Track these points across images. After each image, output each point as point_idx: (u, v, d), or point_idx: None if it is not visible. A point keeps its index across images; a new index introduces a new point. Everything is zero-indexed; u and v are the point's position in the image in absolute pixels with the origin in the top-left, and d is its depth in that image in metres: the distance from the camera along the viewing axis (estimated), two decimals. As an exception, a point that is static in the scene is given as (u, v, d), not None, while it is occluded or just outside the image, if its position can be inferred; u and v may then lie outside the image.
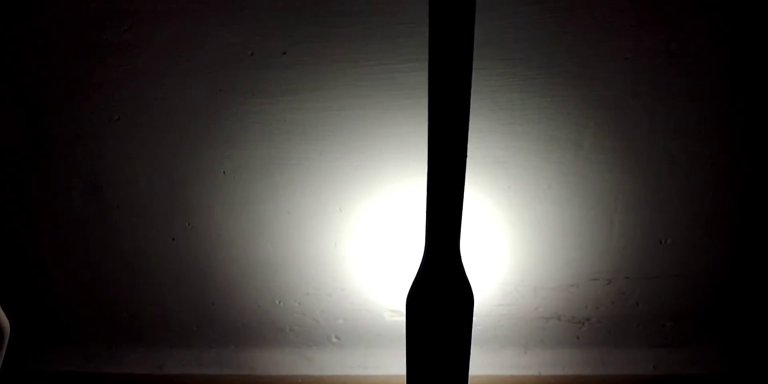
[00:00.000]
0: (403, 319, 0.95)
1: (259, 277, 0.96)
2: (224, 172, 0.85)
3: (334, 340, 1.01)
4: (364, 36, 0.74)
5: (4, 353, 0.75)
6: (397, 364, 1.01)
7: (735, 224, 0.86)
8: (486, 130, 0.79)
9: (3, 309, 0.77)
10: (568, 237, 0.88)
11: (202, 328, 1.02)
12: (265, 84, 0.77)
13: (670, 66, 0.75)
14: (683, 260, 0.90)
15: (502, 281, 0.93)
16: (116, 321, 1.02)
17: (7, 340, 0.75)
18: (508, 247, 0.89)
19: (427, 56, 0.50)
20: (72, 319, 1.03)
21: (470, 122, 0.78)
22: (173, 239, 0.93)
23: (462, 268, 0.66)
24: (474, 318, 0.96)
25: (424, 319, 0.69)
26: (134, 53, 0.77)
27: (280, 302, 0.98)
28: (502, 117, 0.78)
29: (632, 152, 0.80)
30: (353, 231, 0.89)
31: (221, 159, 0.84)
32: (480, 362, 1.01)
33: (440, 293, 0.67)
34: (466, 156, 0.57)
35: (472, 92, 0.74)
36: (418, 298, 0.68)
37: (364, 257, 0.91)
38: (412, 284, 0.68)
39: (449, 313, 0.69)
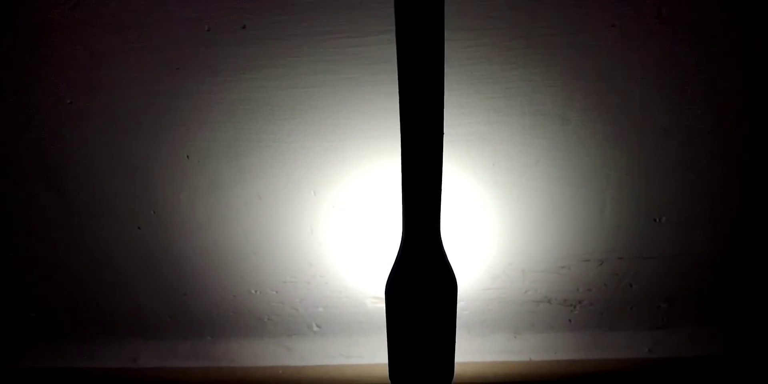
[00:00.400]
0: (386, 305, 0.91)
1: (233, 265, 0.91)
2: (188, 157, 0.80)
3: (315, 328, 0.97)
4: (329, 6, 0.68)
5: None
6: (381, 352, 0.97)
7: (734, 201, 0.81)
8: (467, 106, 0.73)
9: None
10: (558, 216, 0.83)
11: (176, 319, 0.98)
12: (225, 61, 0.71)
13: (661, 33, 0.69)
14: (679, 239, 0.86)
15: (490, 264, 0.88)
16: (86, 314, 0.98)
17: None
18: (495, 228, 0.84)
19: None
20: (40, 314, 0.99)
21: (449, 98, 0.73)
22: (139, 228, 0.87)
23: (443, 253, 0.63)
24: (461, 303, 0.93)
25: (404, 308, 0.66)
26: (82, 32, 0.70)
27: (256, 291, 0.93)
28: (482, 91, 0.72)
29: (623, 126, 0.75)
30: (329, 215, 0.84)
31: (183, 142, 0.79)
32: (468, 348, 0.97)
33: (420, 280, 0.64)
34: (442, 132, 0.53)
35: (448, 66, 0.69)
36: (398, 286, 0.65)
37: (343, 242, 0.87)
38: (390, 271, 0.64)
39: (431, 300, 0.66)
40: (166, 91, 0.74)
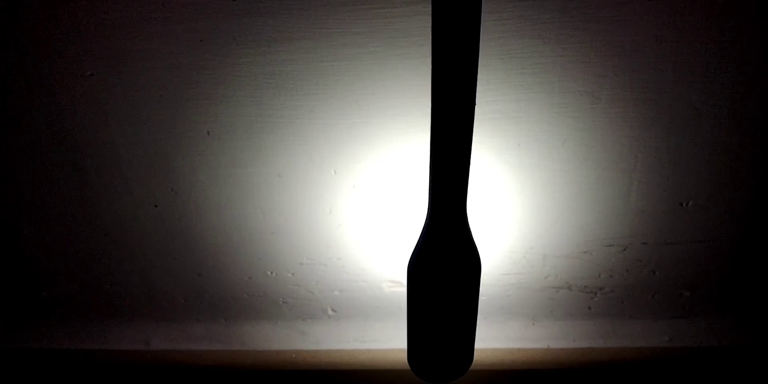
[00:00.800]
0: (403, 290, 0.90)
1: (249, 246, 0.89)
2: (208, 133, 0.78)
3: (330, 312, 0.96)
4: (359, -25, 0.66)
5: None
6: (397, 337, 0.96)
7: (764, 187, 0.79)
8: (495, 81, 0.72)
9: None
10: (582, 199, 0.82)
11: (190, 301, 0.97)
12: (249, 32, 0.70)
13: (698, 7, 0.67)
14: (705, 225, 0.84)
15: (510, 248, 0.87)
16: (98, 294, 0.97)
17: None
18: (517, 211, 0.83)
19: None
20: (50, 294, 0.98)
21: (479, 73, 0.71)
22: (155, 206, 0.86)
23: (469, 233, 0.62)
24: (479, 288, 0.91)
25: (427, 287, 0.65)
26: (103, 1, 0.69)
27: (272, 273, 0.92)
28: (512, 66, 0.71)
29: (655, 105, 0.74)
30: (349, 195, 0.83)
31: (204, 117, 0.77)
32: (485, 335, 0.96)
33: (445, 259, 0.63)
34: (474, 109, 0.52)
35: (479, 39, 0.67)
36: (421, 264, 0.64)
37: (362, 224, 0.85)
38: (414, 249, 0.63)
39: (455, 280, 0.65)
40: (189, 63, 0.73)
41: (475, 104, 0.51)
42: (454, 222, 0.60)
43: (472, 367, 0.95)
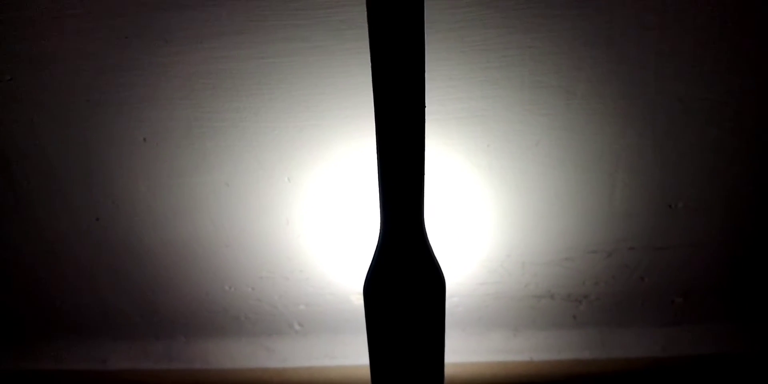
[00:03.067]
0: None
1: (203, 260, 0.83)
2: (144, 139, 0.71)
3: (296, 327, 0.89)
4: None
5: None
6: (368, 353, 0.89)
7: (758, 186, 0.72)
8: (458, 78, 0.64)
9: None
10: (561, 203, 0.75)
11: (146, 318, 0.90)
12: (178, 28, 0.62)
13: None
14: (697, 227, 0.77)
15: (485, 257, 0.80)
16: (48, 313, 0.91)
17: None
18: (491, 218, 0.76)
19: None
20: (0, 312, 0.90)
21: (438, 68, 0.63)
22: (97, 219, 0.79)
23: (428, 247, 0.56)
24: (455, 298, 0.84)
25: (385, 310, 0.59)
26: (13, 2, 0.61)
27: (230, 288, 0.85)
28: (476, 60, 0.63)
29: (636, 100, 0.66)
30: (306, 204, 0.76)
31: (138, 122, 0.70)
32: (464, 347, 0.90)
33: (403, 278, 0.57)
34: (424, 107, 0.45)
35: (435, 31, 0.60)
36: (377, 285, 0.58)
37: (322, 234, 0.78)
38: (369, 268, 0.56)
39: (415, 301, 0.59)
40: (115, 64, 0.65)
41: (424, 103, 0.45)
42: (409, 236, 0.54)
43: (449, 382, 0.89)
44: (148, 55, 0.65)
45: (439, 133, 0.69)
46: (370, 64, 0.62)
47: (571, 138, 0.69)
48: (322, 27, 0.62)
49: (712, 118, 0.68)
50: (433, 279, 0.57)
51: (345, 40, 0.63)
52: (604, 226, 0.77)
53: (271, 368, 0.93)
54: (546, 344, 0.89)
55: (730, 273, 0.82)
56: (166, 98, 0.67)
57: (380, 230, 0.54)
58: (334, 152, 0.71)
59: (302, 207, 0.76)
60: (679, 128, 0.69)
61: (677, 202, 0.74)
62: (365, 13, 0.57)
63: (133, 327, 0.92)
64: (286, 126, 0.69)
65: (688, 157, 0.71)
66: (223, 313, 0.89)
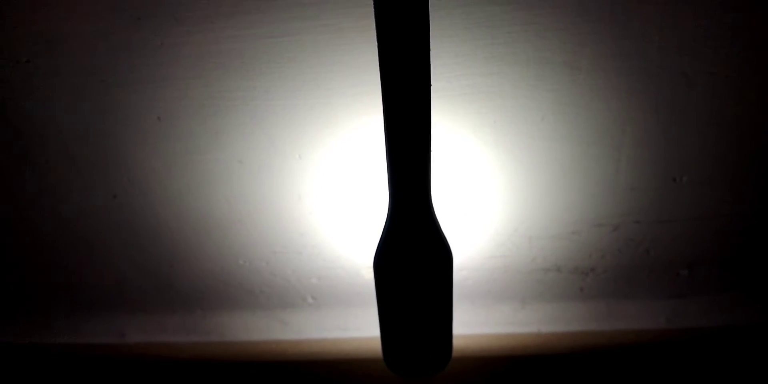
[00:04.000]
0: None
1: (217, 235, 0.85)
2: (159, 118, 0.72)
3: (309, 300, 0.91)
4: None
5: None
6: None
7: (763, 159, 0.73)
8: (463, 54, 0.65)
9: None
10: (567, 178, 0.75)
11: (162, 292, 0.92)
12: (188, 9, 0.63)
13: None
14: (701, 201, 0.78)
15: (493, 231, 0.81)
16: (67, 288, 0.94)
17: None
18: (498, 193, 0.77)
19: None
20: (20, 288, 0.93)
21: (443, 45, 0.64)
22: (114, 197, 0.81)
23: (436, 222, 0.57)
24: (464, 272, 0.86)
25: (394, 284, 0.61)
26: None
27: (244, 262, 0.87)
28: (480, 36, 0.64)
29: (640, 74, 0.67)
30: (318, 181, 0.77)
31: (152, 102, 0.71)
32: (472, 320, 0.91)
33: (411, 253, 0.58)
34: (429, 83, 0.46)
35: (440, 7, 0.60)
36: (386, 260, 0.60)
37: (334, 210, 0.80)
38: (378, 244, 0.58)
39: (423, 275, 0.60)
40: (128, 44, 0.67)
41: (430, 82, 0.45)
42: (417, 212, 0.55)
43: (459, 353, 0.91)
44: (160, 36, 0.66)
45: (445, 109, 0.70)
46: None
47: (576, 113, 0.70)
48: (331, 5, 0.63)
49: (716, 92, 0.68)
50: (441, 253, 0.59)
51: (354, 17, 0.63)
52: (610, 200, 0.78)
53: (285, 340, 0.96)
54: (553, 316, 0.91)
55: (734, 245, 0.82)
56: (179, 78, 0.69)
57: (389, 206, 0.55)
58: (344, 129, 0.72)
59: (313, 183, 0.78)
60: (683, 102, 0.69)
61: (681, 175, 0.75)
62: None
63: (149, 301, 0.95)
64: (297, 104, 0.70)
65: (692, 131, 0.72)
66: (237, 286, 0.91)
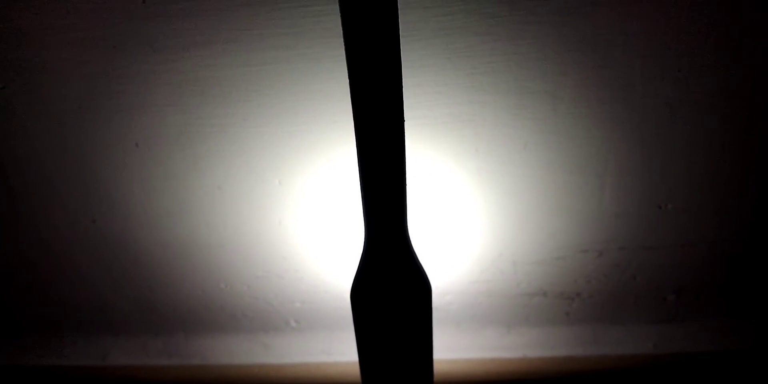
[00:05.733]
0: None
1: (198, 260, 0.84)
2: (137, 144, 0.72)
3: (293, 324, 0.90)
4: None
5: None
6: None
7: (747, 186, 0.72)
8: (444, 84, 0.64)
9: None
10: (551, 204, 0.75)
11: (145, 315, 0.91)
12: (164, 37, 0.63)
13: (667, -5, 0.59)
14: (687, 227, 0.77)
15: (477, 256, 0.81)
16: (49, 311, 0.93)
17: None
18: (481, 219, 0.76)
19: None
20: (1, 311, 0.92)
21: (424, 75, 0.64)
22: (93, 221, 0.80)
23: (412, 254, 0.56)
24: (448, 296, 0.85)
25: (371, 317, 0.60)
26: (4, 9, 0.62)
27: (226, 286, 0.86)
28: (461, 66, 0.63)
29: (623, 103, 0.66)
30: (298, 206, 0.76)
31: (130, 129, 0.70)
32: (457, 344, 0.90)
33: (386, 286, 0.58)
34: (402, 116, 0.45)
35: (422, 37, 0.60)
36: (363, 293, 0.59)
37: (315, 234, 0.79)
38: (354, 276, 0.56)
39: (401, 307, 0.59)
40: (104, 72, 0.66)
41: (403, 113, 0.44)
42: (392, 244, 0.55)
43: (442, 379, 0.90)
44: (137, 63, 0.65)
45: (427, 137, 0.69)
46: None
47: (558, 141, 0.69)
48: (308, 35, 0.62)
49: (700, 120, 0.68)
50: (418, 284, 0.58)
51: (331, 47, 0.63)
52: (595, 227, 0.78)
53: (268, 364, 0.94)
54: (539, 341, 0.90)
55: (721, 271, 0.82)
56: (156, 105, 0.68)
57: (364, 238, 0.54)
58: (324, 156, 0.71)
59: (294, 209, 0.77)
60: (666, 130, 0.68)
61: (666, 203, 0.74)
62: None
63: (132, 324, 0.94)
64: (276, 131, 0.70)
65: (677, 159, 0.71)
66: (219, 310, 0.90)
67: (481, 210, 0.75)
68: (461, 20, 0.61)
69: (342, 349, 0.92)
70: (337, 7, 0.57)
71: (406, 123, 0.46)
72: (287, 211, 0.77)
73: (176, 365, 0.95)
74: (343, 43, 0.59)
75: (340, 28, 0.58)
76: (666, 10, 0.60)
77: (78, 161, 0.74)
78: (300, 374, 0.92)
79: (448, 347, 0.91)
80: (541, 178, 0.72)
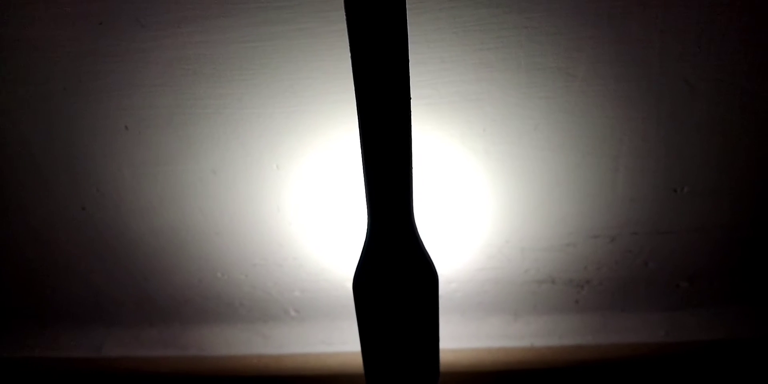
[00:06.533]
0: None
1: (194, 248, 0.81)
2: (126, 127, 0.68)
3: (292, 313, 0.87)
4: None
5: None
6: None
7: (766, 169, 0.68)
8: (450, 60, 0.61)
9: None
10: (562, 188, 0.71)
11: (140, 305, 0.89)
12: (154, 12, 0.59)
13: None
14: (702, 212, 0.74)
15: (484, 243, 0.78)
16: (42, 301, 0.90)
17: None
18: (488, 204, 0.73)
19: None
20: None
21: (430, 51, 0.60)
22: (83, 208, 0.77)
23: (418, 242, 0.53)
24: (453, 284, 0.82)
25: (375, 307, 0.57)
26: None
27: (223, 275, 0.83)
28: (469, 41, 0.60)
29: (640, 81, 0.63)
30: (297, 191, 0.73)
31: (118, 111, 0.67)
32: (462, 333, 0.88)
33: (391, 275, 0.55)
34: (408, 90, 0.42)
35: (425, 11, 0.56)
36: (366, 282, 0.56)
37: (315, 221, 0.76)
38: (357, 265, 0.54)
39: (406, 298, 0.56)
40: (89, 51, 0.62)
41: (409, 93, 0.41)
42: (398, 233, 0.52)
43: (449, 369, 0.87)
44: (125, 41, 0.61)
45: (432, 117, 0.66)
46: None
47: (571, 121, 0.66)
48: (306, 8, 0.58)
49: (719, 100, 0.64)
50: (425, 275, 0.55)
51: (330, 21, 0.59)
52: (607, 211, 0.74)
53: (267, 355, 0.92)
54: (547, 329, 0.87)
55: (736, 257, 0.79)
56: (146, 85, 0.64)
57: (368, 225, 0.51)
58: (324, 138, 0.68)
59: (293, 194, 0.74)
60: (684, 110, 0.65)
61: (682, 186, 0.71)
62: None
63: (126, 314, 0.91)
64: (272, 112, 0.66)
65: (694, 140, 0.68)
66: (216, 299, 0.87)
67: (489, 194, 0.72)
68: (469, -8, 0.57)
69: (343, 339, 0.90)
70: (337, -23, 0.54)
71: (410, 102, 0.42)
72: (286, 196, 0.74)
73: (173, 356, 0.93)
74: (343, 17, 0.55)
75: (339, 0, 0.55)
76: (688, -20, 0.56)
77: (65, 146, 0.71)
78: (300, 365, 0.90)
79: (454, 336, 0.88)
80: (552, 160, 0.69)
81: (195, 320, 0.90)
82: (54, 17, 0.60)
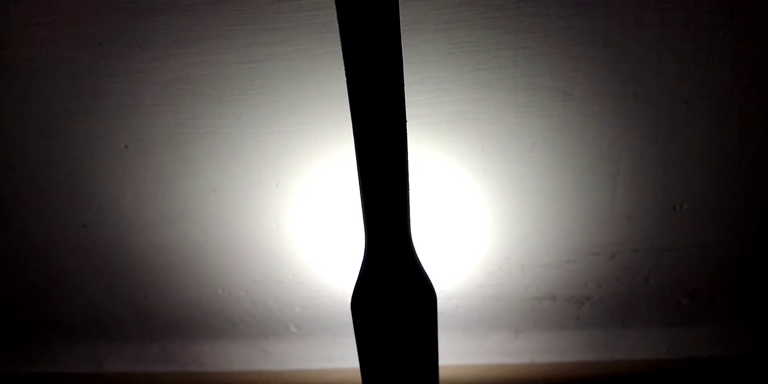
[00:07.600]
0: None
1: (194, 265, 0.81)
2: (126, 146, 0.68)
3: (293, 329, 0.87)
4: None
5: None
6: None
7: (764, 186, 0.69)
8: (447, 81, 0.61)
9: None
10: (560, 206, 0.72)
11: (140, 321, 0.89)
12: (153, 34, 0.59)
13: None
14: (701, 229, 0.74)
15: (483, 259, 0.78)
16: (44, 317, 0.91)
17: None
18: (488, 221, 0.73)
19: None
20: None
21: (427, 71, 0.60)
22: (85, 226, 0.77)
23: (415, 260, 0.53)
24: (454, 301, 0.82)
25: (374, 327, 0.57)
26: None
27: (223, 291, 0.83)
28: (466, 62, 0.60)
29: (637, 100, 0.63)
30: (296, 209, 0.73)
31: (118, 130, 0.67)
32: (463, 349, 0.87)
33: (389, 295, 0.54)
34: (404, 111, 0.42)
35: (423, 31, 0.56)
36: (364, 301, 0.56)
37: (315, 238, 0.76)
38: (355, 285, 0.53)
39: (404, 316, 0.56)
40: (90, 72, 0.63)
41: (405, 113, 0.41)
42: (395, 252, 0.52)
43: (450, 385, 0.87)
44: (124, 62, 0.62)
45: (431, 136, 0.66)
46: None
47: (569, 140, 0.66)
48: (304, 30, 0.59)
49: (717, 118, 0.64)
50: (423, 293, 0.55)
51: (327, 42, 0.59)
52: (606, 229, 0.74)
53: (268, 371, 0.92)
54: (548, 346, 0.87)
55: (736, 274, 0.79)
56: (146, 105, 0.65)
57: (365, 244, 0.51)
58: (322, 157, 0.68)
59: (292, 212, 0.74)
60: (682, 128, 0.65)
61: (682, 203, 0.71)
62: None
63: (127, 330, 0.91)
64: (272, 131, 0.66)
65: (693, 158, 0.68)
66: (217, 315, 0.87)
67: (488, 212, 0.72)
68: (465, 12, 0.57)
69: (343, 355, 0.90)
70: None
71: (408, 122, 0.43)
72: (285, 214, 0.74)
73: (173, 372, 0.93)
74: (339, 39, 0.56)
75: (336, 22, 0.55)
76: (683, 2, 0.57)
77: (66, 164, 0.71)
78: (300, 381, 0.90)
79: (454, 353, 0.88)
80: (551, 178, 0.69)
81: (196, 336, 0.90)
82: (55, 39, 0.61)
